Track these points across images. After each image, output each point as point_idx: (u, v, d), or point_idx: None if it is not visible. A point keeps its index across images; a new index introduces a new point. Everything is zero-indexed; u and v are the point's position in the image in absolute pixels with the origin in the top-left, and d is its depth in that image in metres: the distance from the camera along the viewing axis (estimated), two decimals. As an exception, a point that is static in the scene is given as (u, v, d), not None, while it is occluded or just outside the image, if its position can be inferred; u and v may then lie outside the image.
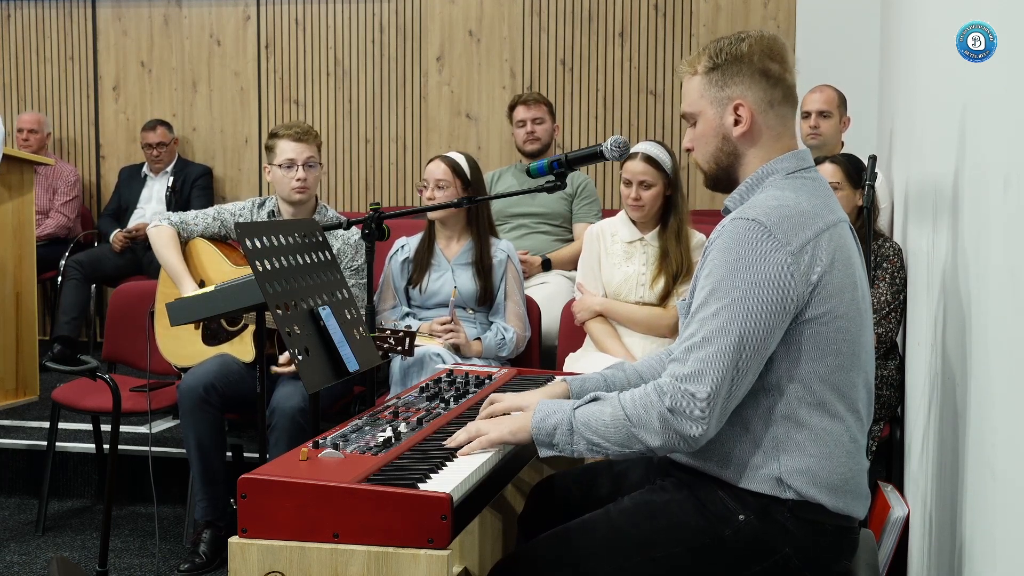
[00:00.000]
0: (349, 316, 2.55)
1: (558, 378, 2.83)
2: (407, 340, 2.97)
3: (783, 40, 2.09)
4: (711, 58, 2.06)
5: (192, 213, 3.94)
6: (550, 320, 4.03)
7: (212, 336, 3.79)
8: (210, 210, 3.97)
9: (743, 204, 2.03)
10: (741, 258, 1.92)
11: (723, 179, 2.11)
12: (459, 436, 2.13)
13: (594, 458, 2.10)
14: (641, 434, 1.95)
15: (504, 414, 2.19)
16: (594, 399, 2.07)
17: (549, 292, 4.30)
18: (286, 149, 3.78)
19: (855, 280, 2.00)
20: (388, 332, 2.98)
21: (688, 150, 2.15)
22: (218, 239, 3.94)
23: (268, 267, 2.34)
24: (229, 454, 3.79)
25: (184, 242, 3.87)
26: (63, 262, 5.82)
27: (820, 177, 2.09)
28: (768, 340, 1.92)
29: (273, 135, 3.89)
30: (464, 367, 3.06)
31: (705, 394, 1.90)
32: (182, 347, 3.81)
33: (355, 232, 3.78)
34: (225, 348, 3.75)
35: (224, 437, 3.67)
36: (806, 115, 4.56)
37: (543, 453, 2.07)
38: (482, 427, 2.13)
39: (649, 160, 3.47)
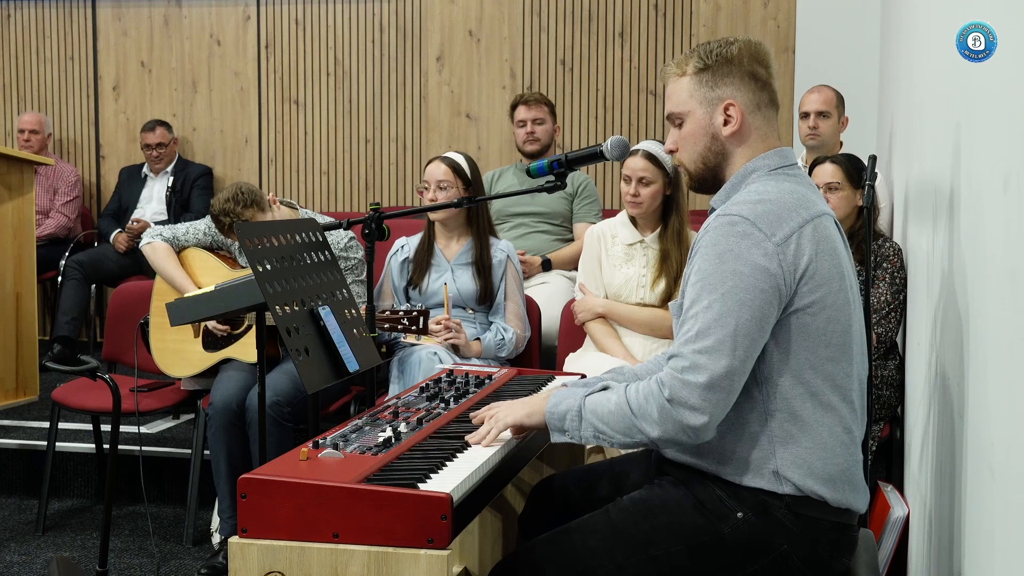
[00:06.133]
0: (349, 316, 2.55)
1: (559, 379, 2.83)
2: (421, 319, 2.97)
3: (767, 48, 2.13)
4: (701, 59, 2.08)
5: (183, 227, 3.99)
6: (550, 320, 4.03)
7: (213, 342, 3.78)
8: (200, 224, 4.00)
9: (728, 202, 2.06)
10: (728, 251, 1.95)
11: (709, 179, 2.13)
12: (480, 416, 2.22)
13: (605, 447, 2.13)
14: (642, 424, 1.98)
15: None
16: (604, 388, 2.11)
17: (549, 292, 4.29)
18: None
19: (842, 271, 2.02)
20: (401, 313, 2.98)
21: (672, 151, 2.17)
22: (209, 250, 3.98)
23: (268, 267, 2.35)
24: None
25: (176, 254, 3.94)
26: (63, 262, 5.82)
27: (802, 173, 2.12)
28: (762, 327, 1.94)
29: (222, 228, 3.72)
30: (464, 367, 3.06)
31: (704, 383, 1.92)
32: (180, 357, 3.81)
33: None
34: (229, 352, 3.75)
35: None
36: (804, 115, 4.56)
37: (555, 438, 2.12)
38: (499, 411, 2.19)
39: (649, 157, 3.46)
